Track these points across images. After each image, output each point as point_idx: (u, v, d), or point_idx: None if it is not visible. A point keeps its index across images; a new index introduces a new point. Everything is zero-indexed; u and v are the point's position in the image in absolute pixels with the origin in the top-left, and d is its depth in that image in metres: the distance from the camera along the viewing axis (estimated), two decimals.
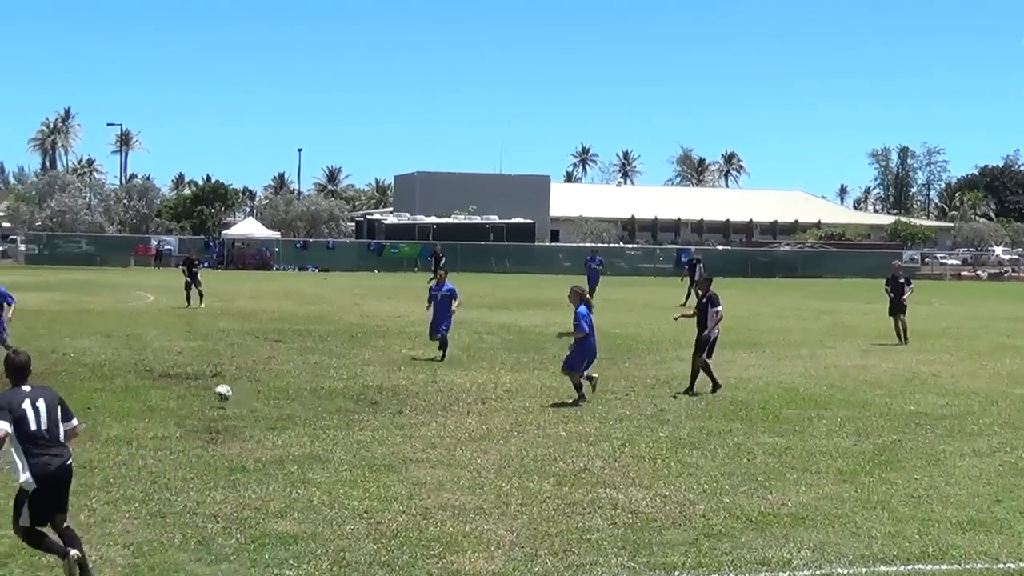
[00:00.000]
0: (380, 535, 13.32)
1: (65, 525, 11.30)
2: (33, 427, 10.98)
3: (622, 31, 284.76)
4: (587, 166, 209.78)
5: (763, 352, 33.45)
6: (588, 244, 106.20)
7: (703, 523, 14.13)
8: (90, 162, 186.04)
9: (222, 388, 22.26)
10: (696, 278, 54.70)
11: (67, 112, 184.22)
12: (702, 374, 24.73)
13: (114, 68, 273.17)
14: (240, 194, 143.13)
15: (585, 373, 23.45)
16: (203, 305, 46.54)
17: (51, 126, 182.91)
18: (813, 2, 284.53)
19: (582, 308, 23.40)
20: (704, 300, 25.18)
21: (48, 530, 11.22)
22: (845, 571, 12.30)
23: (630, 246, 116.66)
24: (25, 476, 10.94)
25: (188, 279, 48.10)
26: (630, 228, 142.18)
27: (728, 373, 26.82)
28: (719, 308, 24.95)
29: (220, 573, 11.78)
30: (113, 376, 26.03)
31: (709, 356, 24.87)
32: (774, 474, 16.99)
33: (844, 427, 21.15)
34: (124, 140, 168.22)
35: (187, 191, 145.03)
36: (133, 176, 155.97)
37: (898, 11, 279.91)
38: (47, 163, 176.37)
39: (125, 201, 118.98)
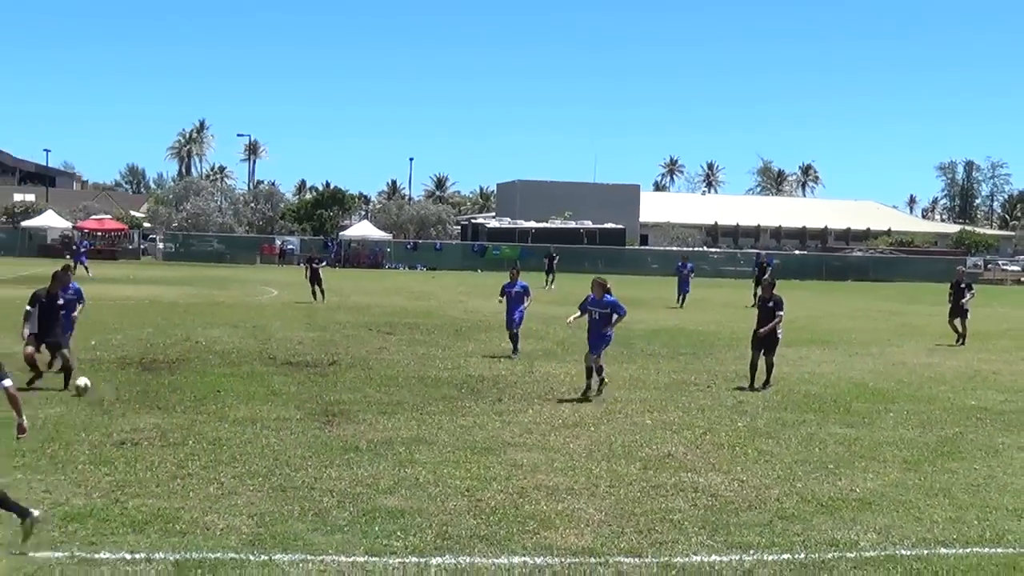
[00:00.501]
0: (480, 512, 13.37)
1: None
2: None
3: (708, 52, 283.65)
4: (674, 176, 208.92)
5: (835, 350, 33.14)
6: (675, 248, 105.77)
7: (777, 506, 14.07)
8: (221, 169, 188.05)
9: (81, 381, 21.01)
10: (764, 278, 54.41)
11: (201, 124, 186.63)
12: (761, 366, 24.34)
13: (244, 83, 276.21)
14: (356, 199, 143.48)
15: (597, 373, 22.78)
16: (323, 302, 46.68)
17: (187, 136, 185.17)
18: (886, 30, 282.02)
19: (611, 297, 22.87)
20: (771, 304, 24.70)
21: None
22: (908, 553, 12.16)
23: (713, 250, 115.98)
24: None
25: (310, 276, 48.31)
26: (713, 234, 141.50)
27: (802, 369, 26.64)
28: (783, 312, 24.65)
29: (334, 543, 11.87)
30: (240, 363, 26.30)
31: (772, 354, 24.48)
32: (843, 462, 16.85)
33: (909, 420, 20.95)
34: (252, 149, 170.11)
35: (308, 196, 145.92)
36: (260, 182, 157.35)
37: (959, 36, 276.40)
38: (183, 170, 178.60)
39: (252, 205, 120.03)
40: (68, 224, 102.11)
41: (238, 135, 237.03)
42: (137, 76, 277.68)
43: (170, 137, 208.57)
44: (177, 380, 23.20)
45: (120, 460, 15.52)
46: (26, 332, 21.84)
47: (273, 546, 11.66)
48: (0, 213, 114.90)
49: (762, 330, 24.26)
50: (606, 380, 22.73)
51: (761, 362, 24.36)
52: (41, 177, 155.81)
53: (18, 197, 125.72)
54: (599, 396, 22.16)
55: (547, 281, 63.26)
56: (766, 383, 24.13)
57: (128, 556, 11.14)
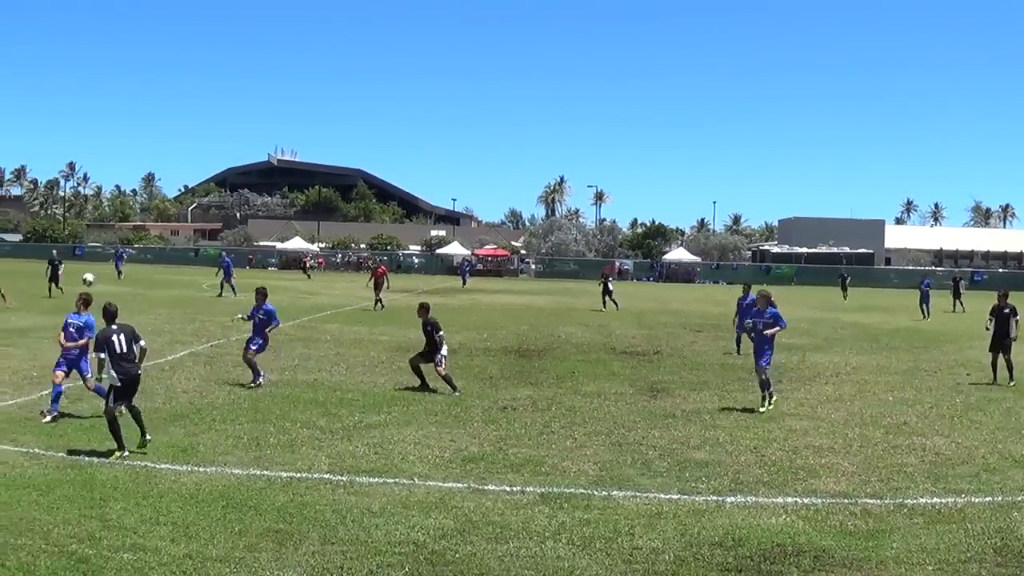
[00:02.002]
0: (764, 464, 13.19)
1: (132, 405, 12.86)
2: (118, 350, 12.75)
3: (935, 118, 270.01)
4: (910, 212, 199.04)
5: None
6: (910, 268, 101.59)
7: (983, 462, 13.57)
8: (576, 211, 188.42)
9: (87, 276, 22.08)
10: (960, 292, 51.74)
11: (561, 179, 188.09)
12: (1001, 364, 21.90)
13: (594, 146, 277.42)
14: (674, 231, 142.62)
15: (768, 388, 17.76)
16: (605, 310, 44.70)
17: (552, 187, 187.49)
18: None
19: (774, 309, 17.97)
20: (1007, 310, 22.74)
21: (122, 423, 12.67)
22: None
23: (939, 268, 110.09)
24: (113, 375, 12.67)
25: (603, 290, 46.85)
26: (939, 256, 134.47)
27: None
28: (1019, 317, 22.73)
29: (656, 484, 11.91)
30: (589, 352, 26.58)
31: (1009, 353, 22.15)
32: None
33: None
34: (599, 196, 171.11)
35: (639, 230, 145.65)
36: (603, 220, 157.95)
37: None
38: (549, 212, 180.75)
39: (598, 237, 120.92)
40: (467, 252, 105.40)
41: (588, 186, 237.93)
42: (516, 145, 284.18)
43: (539, 188, 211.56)
44: (544, 363, 23.67)
45: (503, 420, 15.98)
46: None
47: (611, 485, 11.80)
48: (421, 244, 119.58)
49: (1011, 337, 22.04)
50: (774, 396, 17.89)
51: (1002, 361, 21.97)
52: (449, 218, 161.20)
53: (433, 233, 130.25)
54: (768, 408, 17.40)
55: (843, 295, 61.02)
56: (1011, 378, 21.65)
57: (508, 488, 11.47)
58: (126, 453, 12.48)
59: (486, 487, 11.52)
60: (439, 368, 18.94)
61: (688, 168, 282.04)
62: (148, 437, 12.99)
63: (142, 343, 13.43)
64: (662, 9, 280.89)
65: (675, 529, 10.04)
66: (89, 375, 15.10)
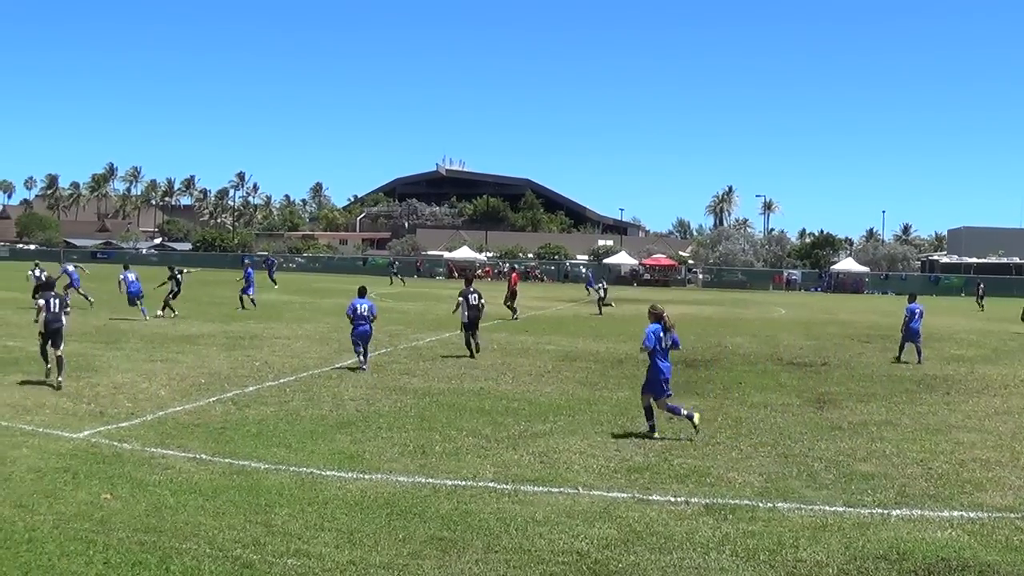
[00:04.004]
0: (930, 477, 12.75)
1: (58, 355, 17.95)
2: (50, 309, 18.08)
3: None
4: None
5: None
6: None
7: None
8: (744, 221, 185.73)
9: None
10: None
11: (730, 188, 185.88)
12: None
13: (762, 157, 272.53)
14: (842, 241, 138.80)
15: (678, 409, 15.39)
16: (601, 314, 43.22)
17: (720, 197, 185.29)
18: None
19: (653, 326, 15.50)
20: None
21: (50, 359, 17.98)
22: None
23: None
24: (40, 327, 18.14)
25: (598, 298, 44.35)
26: None
27: None
28: None
29: (821, 496, 11.62)
30: (755, 363, 26.12)
31: None
32: None
33: None
34: (767, 206, 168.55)
35: (807, 240, 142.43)
36: (772, 230, 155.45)
37: None
38: (717, 222, 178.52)
39: (766, 247, 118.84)
40: (635, 261, 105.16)
41: (756, 195, 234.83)
42: (684, 154, 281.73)
43: (707, 198, 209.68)
44: (710, 374, 23.40)
45: (668, 430, 15.80)
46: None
47: (776, 497, 11.59)
48: (588, 253, 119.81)
49: None
50: (654, 427, 15.39)
51: None
52: (617, 228, 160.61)
53: (601, 242, 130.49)
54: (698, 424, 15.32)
55: (979, 305, 59.03)
56: None
57: (672, 499, 11.37)
58: (48, 367, 18.11)
59: (650, 497, 11.43)
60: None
61: (857, 177, 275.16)
62: (60, 380, 17.74)
63: (68, 309, 19.01)
64: (827, 16, 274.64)
65: (839, 542, 9.83)
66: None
